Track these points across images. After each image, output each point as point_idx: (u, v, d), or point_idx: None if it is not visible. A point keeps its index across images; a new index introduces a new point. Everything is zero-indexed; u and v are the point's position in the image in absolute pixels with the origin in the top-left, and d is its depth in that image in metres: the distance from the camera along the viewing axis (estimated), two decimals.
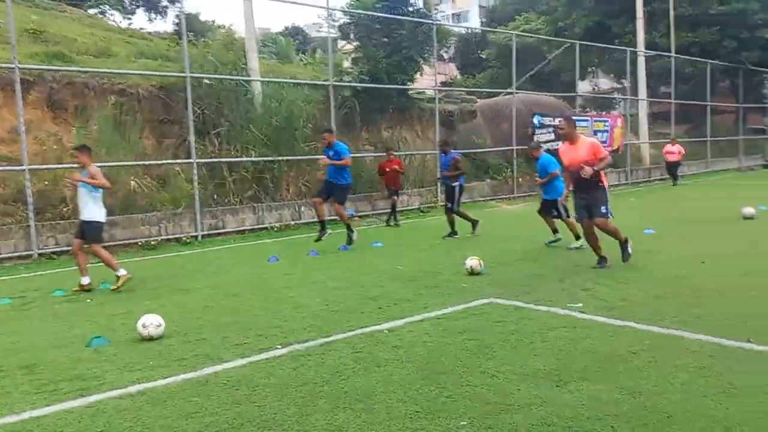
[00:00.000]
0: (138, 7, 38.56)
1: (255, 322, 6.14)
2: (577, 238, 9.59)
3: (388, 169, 13.97)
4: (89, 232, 8.03)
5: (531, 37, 27.31)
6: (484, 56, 43.54)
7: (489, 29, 32.38)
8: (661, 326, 5.43)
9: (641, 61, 25.72)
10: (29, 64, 11.94)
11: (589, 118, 22.30)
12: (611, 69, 35.07)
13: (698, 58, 28.35)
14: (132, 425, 3.84)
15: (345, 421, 3.78)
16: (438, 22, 18.89)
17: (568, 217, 9.84)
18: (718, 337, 5.05)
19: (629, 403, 3.88)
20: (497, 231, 12.18)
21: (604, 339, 5.18)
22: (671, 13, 27.96)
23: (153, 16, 39.75)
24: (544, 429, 3.58)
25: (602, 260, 8.17)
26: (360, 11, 16.69)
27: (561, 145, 8.60)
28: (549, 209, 10.19)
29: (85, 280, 7.95)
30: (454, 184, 11.43)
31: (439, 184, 14.62)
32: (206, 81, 13.05)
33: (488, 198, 18.78)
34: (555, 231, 10.20)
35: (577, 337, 5.25)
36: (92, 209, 8.01)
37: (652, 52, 26.95)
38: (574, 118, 21.13)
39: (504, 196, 19.10)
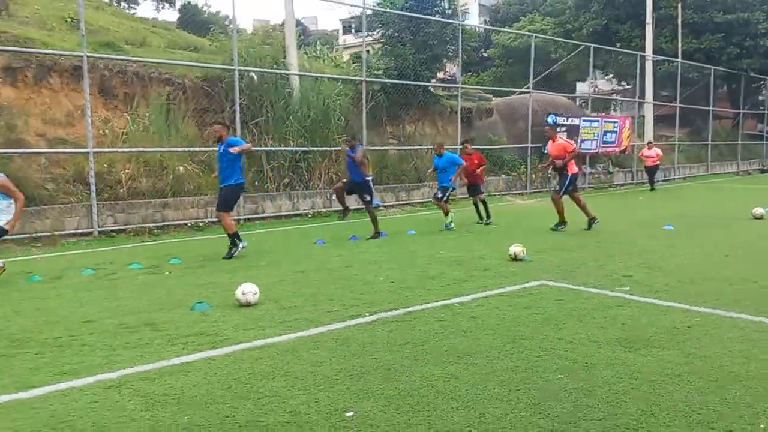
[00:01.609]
0: None
1: (334, 294, 6.76)
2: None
3: (466, 164, 12.57)
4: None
5: (544, 38, 27.92)
6: (487, 55, 44.40)
7: (512, 30, 32.99)
8: (706, 307, 6.10)
9: (649, 65, 26.46)
10: (94, 53, 12.46)
11: (599, 118, 23.00)
12: (616, 72, 35.89)
13: (703, 64, 29.23)
14: (272, 371, 4.46)
15: (456, 372, 4.42)
16: (464, 23, 19.53)
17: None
18: (760, 317, 5.72)
19: (697, 365, 4.53)
20: (521, 223, 12.86)
21: (659, 315, 5.84)
22: (679, 19, 28.72)
23: (161, 5, 40.31)
24: (632, 382, 4.22)
25: (560, 224, 11.39)
26: (393, 10, 17.31)
27: (549, 143, 11.84)
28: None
29: None
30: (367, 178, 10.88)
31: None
32: (252, 74, 13.63)
33: (502, 193, 19.50)
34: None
35: (634, 314, 5.91)
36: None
37: (661, 57, 27.71)
38: (585, 118, 21.87)
39: (517, 192, 19.81)
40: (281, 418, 3.68)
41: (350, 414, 3.72)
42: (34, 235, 10.38)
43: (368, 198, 10.92)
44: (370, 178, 10.98)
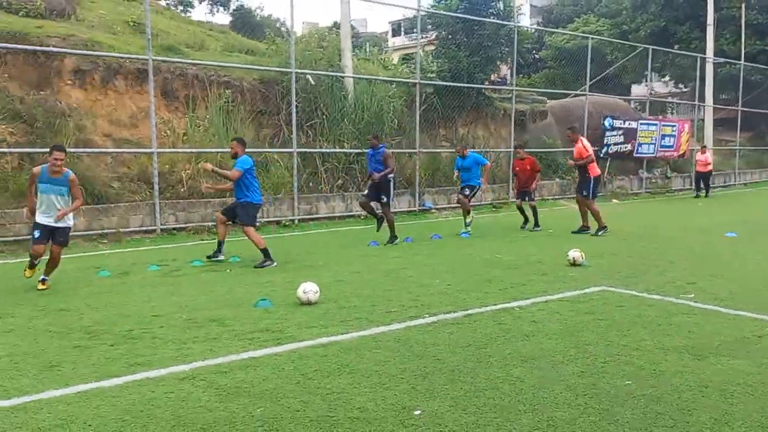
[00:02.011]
0: (202, 0, 39.87)
1: (391, 295, 6.82)
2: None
3: (518, 169, 12.64)
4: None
5: (601, 40, 27.42)
6: (539, 57, 43.88)
7: (567, 31, 32.51)
8: None
9: (710, 68, 25.73)
10: (158, 57, 12.86)
11: (657, 122, 22.48)
12: (674, 74, 35.02)
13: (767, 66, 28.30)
14: (338, 368, 4.53)
15: (521, 375, 4.41)
16: (519, 25, 19.40)
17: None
18: None
19: None
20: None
21: (725, 324, 5.69)
22: (743, 20, 27.87)
23: (216, 9, 41.18)
24: (702, 390, 4.14)
25: (594, 228, 11.55)
26: (447, 13, 17.31)
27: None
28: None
29: None
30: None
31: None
32: (308, 77, 13.84)
33: (556, 197, 19.26)
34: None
35: (699, 321, 5.78)
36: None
37: (722, 59, 26.91)
38: (643, 121, 21.43)
39: (572, 196, 19.48)
40: (350, 414, 3.74)
41: (418, 412, 3.76)
42: (100, 231, 10.80)
43: (385, 199, 10.57)
44: (392, 177, 10.66)
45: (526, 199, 12.58)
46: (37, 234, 7.18)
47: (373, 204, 10.81)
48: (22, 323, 5.79)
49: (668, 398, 3.99)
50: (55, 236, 7.26)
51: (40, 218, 7.16)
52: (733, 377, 4.36)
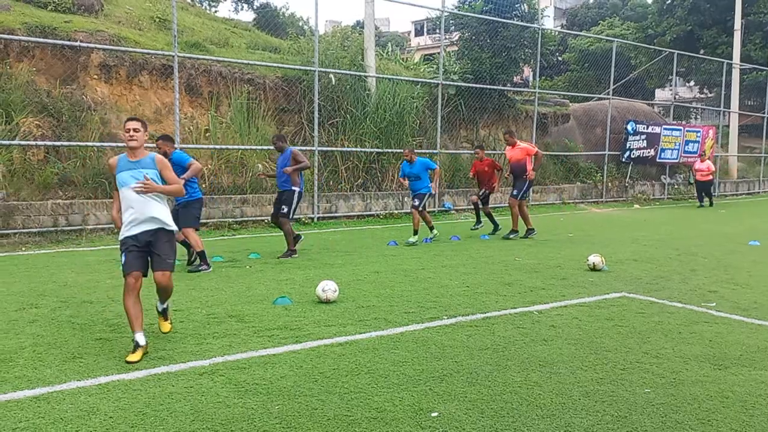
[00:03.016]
0: None
1: (410, 296, 6.82)
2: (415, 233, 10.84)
3: (477, 170, 12.18)
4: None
5: (626, 43, 27.17)
6: (562, 59, 43.59)
7: (592, 35, 32.32)
8: None
9: (736, 74, 25.41)
10: (182, 53, 12.99)
11: (681, 127, 22.24)
12: (699, 79, 34.64)
13: None
14: (356, 367, 4.55)
15: (539, 380, 4.39)
16: (543, 27, 19.31)
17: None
18: None
19: None
20: (598, 232, 12.60)
21: (749, 334, 5.62)
22: None
23: (240, 6, 41.45)
24: (723, 401, 4.09)
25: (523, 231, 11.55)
26: (471, 14, 17.27)
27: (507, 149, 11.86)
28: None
29: None
30: (293, 188, 9.19)
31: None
32: (330, 75, 13.89)
33: (577, 201, 19.14)
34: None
35: (722, 331, 5.71)
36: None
37: (748, 65, 26.55)
38: (666, 126, 21.18)
39: (593, 200, 19.39)
40: (367, 414, 3.75)
41: (435, 414, 3.76)
42: None
43: (285, 210, 9.06)
44: (297, 190, 9.18)
45: (484, 203, 12.08)
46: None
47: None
48: (46, 314, 5.88)
49: (688, 408, 3.95)
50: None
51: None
52: (755, 388, 4.30)
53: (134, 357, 4.58)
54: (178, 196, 5.63)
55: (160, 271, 4.93)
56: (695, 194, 20.20)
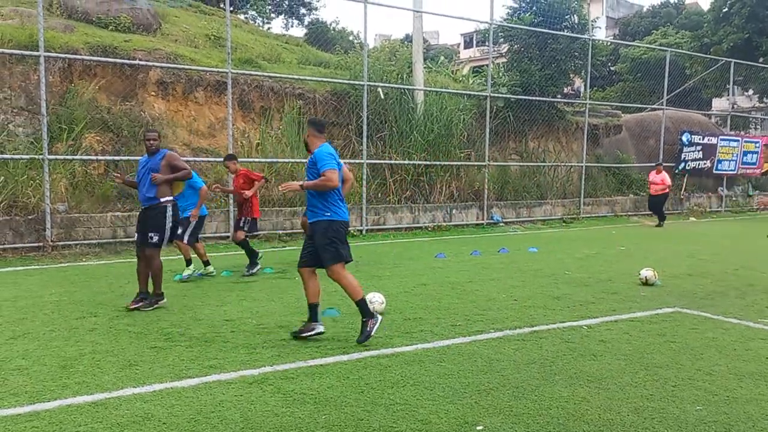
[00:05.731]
0: (280, 14, 41.02)
1: (457, 309, 6.82)
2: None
3: (235, 186, 9.29)
4: None
5: (680, 53, 26.55)
6: (614, 69, 42.81)
7: (644, 44, 31.74)
8: None
9: None
10: (237, 69, 13.33)
11: (739, 138, 21.58)
12: (759, 88, 33.51)
13: None
14: (401, 379, 4.58)
15: (587, 396, 4.34)
16: (594, 38, 19.09)
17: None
18: None
19: None
20: (650, 246, 12.32)
21: None
22: None
23: (291, 23, 42.25)
24: None
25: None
26: (520, 26, 17.21)
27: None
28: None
29: None
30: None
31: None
32: (378, 89, 14.05)
33: (630, 213, 18.76)
34: None
35: None
36: None
37: None
38: (723, 137, 20.53)
39: (646, 213, 18.93)
40: (413, 425, 3.78)
41: (480, 428, 3.76)
42: None
43: (155, 239, 6.81)
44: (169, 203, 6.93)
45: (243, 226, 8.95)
46: None
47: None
48: (104, 323, 6.12)
49: (741, 426, 3.85)
50: None
51: None
52: None
53: None
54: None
55: None
56: (754, 207, 19.38)
